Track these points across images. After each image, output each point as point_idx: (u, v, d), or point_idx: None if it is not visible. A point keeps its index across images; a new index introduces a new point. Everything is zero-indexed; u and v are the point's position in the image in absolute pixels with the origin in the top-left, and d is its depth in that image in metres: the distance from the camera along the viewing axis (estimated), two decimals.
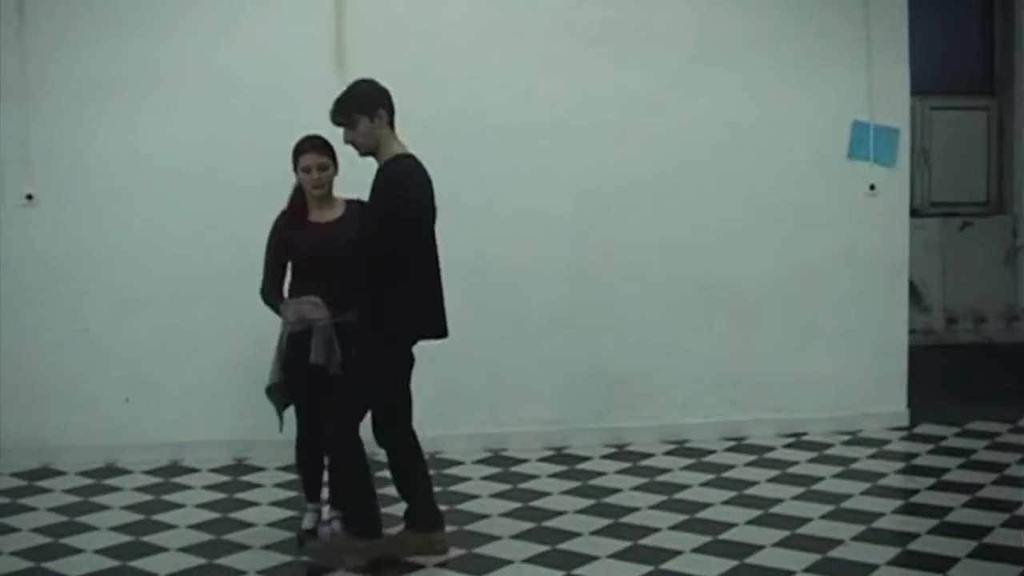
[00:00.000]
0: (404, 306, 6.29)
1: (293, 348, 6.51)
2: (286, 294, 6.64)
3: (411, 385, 6.64)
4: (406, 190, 6.27)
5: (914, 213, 9.80)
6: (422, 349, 8.12)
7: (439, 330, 6.48)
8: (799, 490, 7.73)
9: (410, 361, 6.53)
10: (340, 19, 8.52)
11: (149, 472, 8.28)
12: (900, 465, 8.43)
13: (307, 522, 6.82)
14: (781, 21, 9.09)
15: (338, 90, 8.21)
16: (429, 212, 6.44)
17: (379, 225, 6.21)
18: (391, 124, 6.44)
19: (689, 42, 8.98)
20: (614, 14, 8.89)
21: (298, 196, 6.65)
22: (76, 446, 8.46)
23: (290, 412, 6.75)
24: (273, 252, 6.67)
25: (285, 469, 8.07)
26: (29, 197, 8.37)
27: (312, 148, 6.54)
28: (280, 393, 6.66)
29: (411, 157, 6.40)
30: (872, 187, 9.26)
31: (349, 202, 6.67)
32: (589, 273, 8.89)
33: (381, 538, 6.49)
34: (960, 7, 13.19)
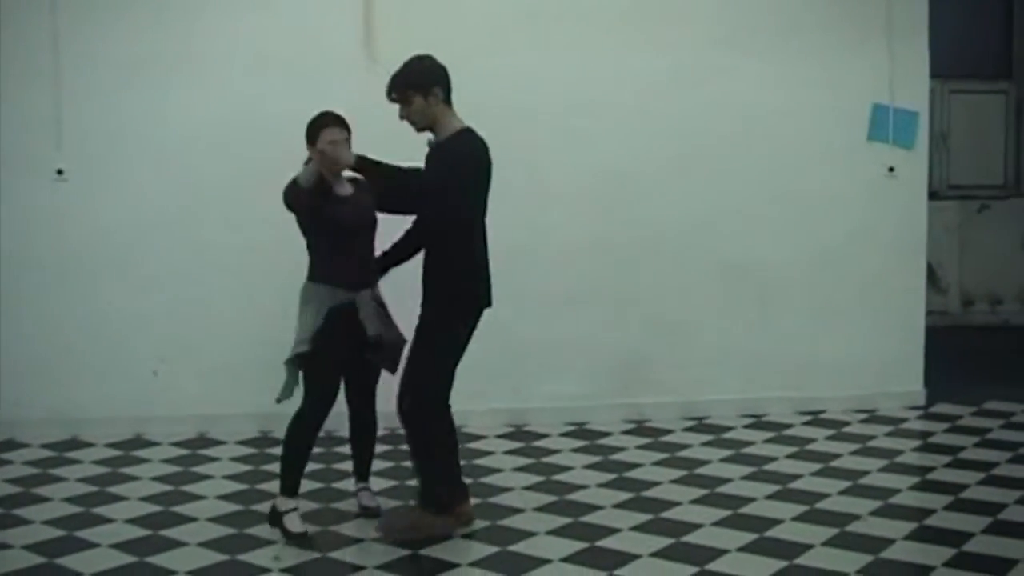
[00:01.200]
0: (472, 277, 6.43)
1: (335, 321, 6.40)
2: (322, 269, 6.48)
3: None
4: (467, 168, 6.35)
5: (932, 196, 9.87)
6: None
7: (490, 300, 6.61)
8: (817, 466, 7.83)
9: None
10: (369, 1, 8.61)
11: (176, 444, 8.41)
12: (917, 443, 8.52)
13: (297, 525, 6.49)
14: (803, 4, 9.16)
15: (365, 68, 8.37)
16: (486, 185, 6.51)
17: (446, 201, 6.27)
18: (448, 101, 6.47)
19: (712, 25, 9.05)
20: None
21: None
22: (104, 418, 8.60)
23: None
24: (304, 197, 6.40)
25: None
26: (60, 172, 8.48)
27: (335, 122, 6.49)
28: (297, 365, 6.47)
29: (469, 131, 6.46)
30: (891, 170, 9.34)
31: (349, 179, 6.66)
32: (612, 252, 8.98)
33: (451, 516, 6.58)
34: None
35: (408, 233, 6.66)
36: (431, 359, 6.46)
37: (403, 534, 6.48)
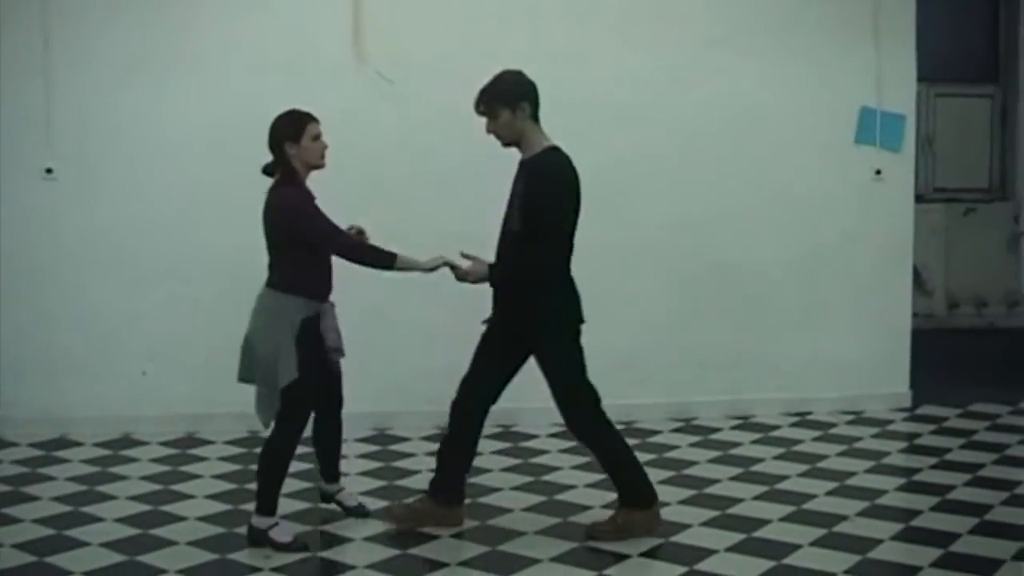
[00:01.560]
0: (573, 296, 6.60)
1: (306, 336, 6.30)
2: (294, 280, 6.31)
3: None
4: (561, 190, 6.39)
5: (918, 199, 9.93)
6: (430, 325, 8.35)
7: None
8: (804, 467, 7.87)
9: None
10: (358, 1, 8.62)
11: (165, 444, 8.41)
12: (903, 444, 8.58)
13: (286, 535, 6.39)
14: (793, 8, 9.21)
15: (355, 73, 8.40)
16: (577, 206, 6.50)
17: (545, 226, 6.34)
18: (535, 117, 6.50)
19: (703, 27, 9.09)
20: None
21: (296, 172, 6.38)
22: (93, 417, 8.60)
23: None
24: (326, 219, 6.31)
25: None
26: (49, 171, 8.49)
27: (313, 117, 6.39)
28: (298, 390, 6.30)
29: (556, 150, 6.48)
30: (878, 172, 9.39)
31: None
32: (602, 251, 8.98)
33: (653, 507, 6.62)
34: None
35: (513, 262, 6.51)
36: (564, 380, 6.61)
37: (613, 536, 6.49)
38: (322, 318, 6.41)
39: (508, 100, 6.40)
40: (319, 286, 6.40)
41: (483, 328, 6.69)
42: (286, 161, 6.33)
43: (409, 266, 6.34)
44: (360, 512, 6.89)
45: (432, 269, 6.38)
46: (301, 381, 6.23)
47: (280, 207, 6.28)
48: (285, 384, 6.21)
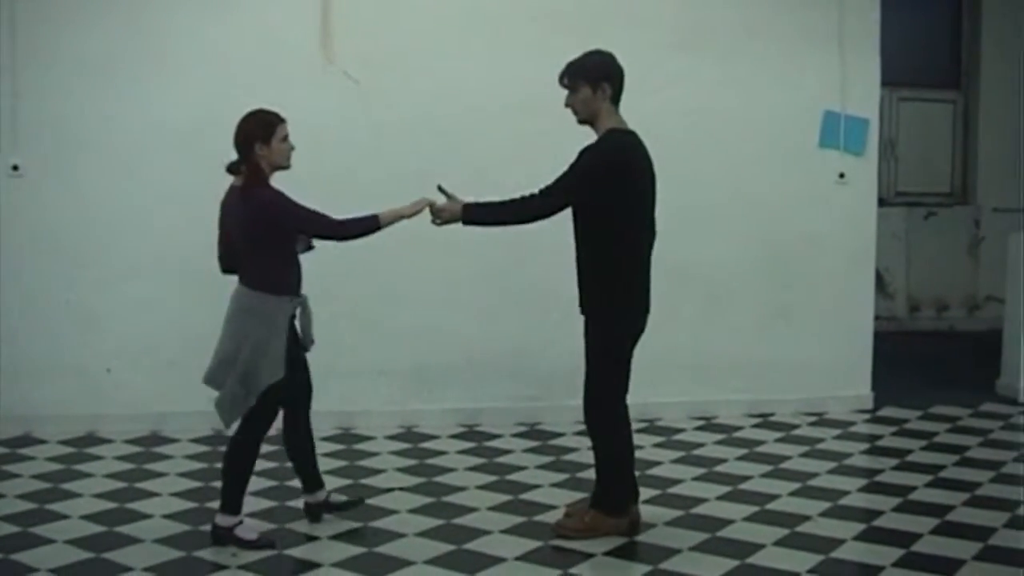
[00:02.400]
0: (629, 288, 6.79)
1: (289, 336, 6.33)
2: (273, 278, 6.30)
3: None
4: (593, 162, 6.48)
5: (880, 202, 9.99)
6: (397, 326, 8.36)
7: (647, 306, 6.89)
8: (767, 468, 7.93)
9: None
10: (326, 2, 8.63)
11: (130, 441, 8.41)
12: (865, 446, 8.65)
13: (252, 533, 6.42)
14: (758, 12, 9.28)
15: (323, 71, 8.42)
16: (637, 190, 6.71)
17: (556, 184, 6.54)
18: (615, 100, 6.54)
19: (668, 29, 9.14)
20: (594, 1, 9.05)
21: (263, 173, 6.31)
22: (57, 415, 8.58)
23: None
24: (306, 207, 6.25)
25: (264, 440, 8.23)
26: (15, 168, 8.46)
27: (280, 118, 6.35)
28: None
29: (629, 133, 6.58)
30: (842, 176, 9.46)
31: None
32: (562, 254, 8.99)
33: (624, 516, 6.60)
34: (929, 2, 13.38)
35: (503, 204, 6.60)
36: (608, 369, 6.56)
37: (580, 535, 6.49)
38: (300, 315, 6.44)
39: (592, 77, 6.45)
40: (295, 281, 6.39)
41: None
42: (254, 161, 6.28)
43: (393, 218, 6.37)
44: (356, 501, 6.89)
45: (415, 213, 6.41)
46: (280, 380, 6.24)
47: (263, 207, 6.22)
48: (269, 384, 6.20)
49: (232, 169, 6.43)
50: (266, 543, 6.34)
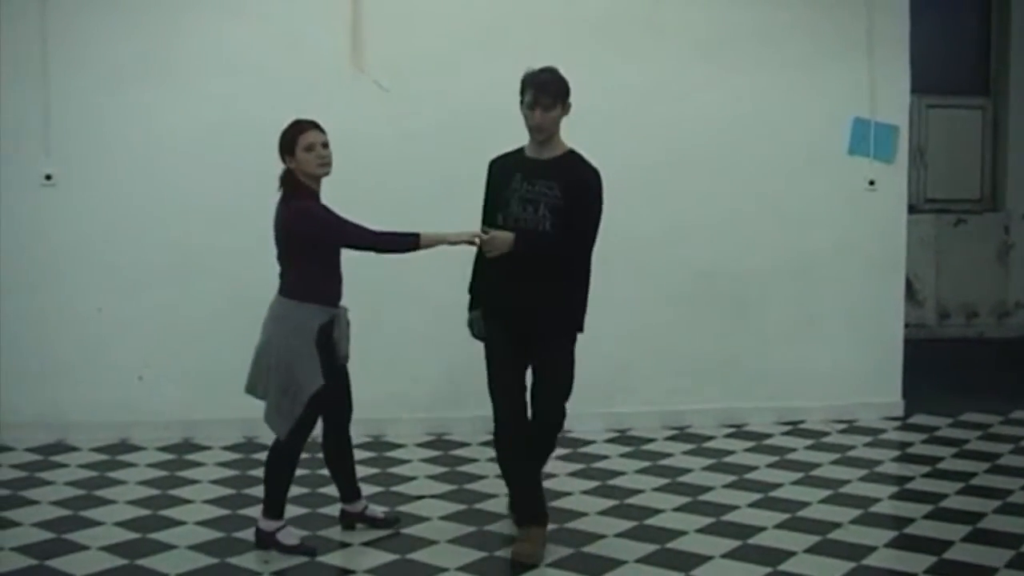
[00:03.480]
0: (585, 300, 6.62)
1: (321, 344, 6.36)
2: (309, 287, 6.35)
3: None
4: (601, 193, 6.51)
5: (909, 209, 9.96)
6: (428, 333, 8.38)
7: None
8: (798, 475, 7.93)
9: None
10: (356, 8, 8.66)
11: (162, 449, 8.44)
12: (895, 453, 8.63)
13: (294, 538, 6.49)
14: (786, 18, 9.28)
15: (352, 79, 8.45)
16: None
17: (587, 225, 6.48)
18: None
19: (695, 36, 9.16)
20: (622, 7, 9.07)
21: (301, 183, 6.38)
22: (89, 423, 8.63)
23: None
24: (340, 217, 6.32)
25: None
26: (48, 177, 8.52)
27: (313, 126, 6.40)
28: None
29: (580, 155, 6.64)
30: (871, 183, 9.45)
31: None
32: (594, 260, 9.04)
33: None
34: (958, 7, 13.34)
35: (555, 243, 6.44)
36: (570, 373, 6.64)
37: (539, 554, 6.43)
38: (336, 324, 6.45)
39: (566, 97, 6.47)
40: (332, 292, 6.44)
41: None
42: (289, 172, 6.38)
43: (436, 242, 6.41)
44: (393, 519, 6.91)
45: (459, 243, 6.45)
46: (320, 389, 6.29)
47: (294, 219, 6.28)
48: (313, 392, 6.25)
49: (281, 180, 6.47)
50: (306, 550, 6.39)
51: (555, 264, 6.42)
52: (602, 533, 6.71)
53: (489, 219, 6.53)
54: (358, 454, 7.93)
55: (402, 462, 8.20)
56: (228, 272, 8.64)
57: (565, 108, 6.45)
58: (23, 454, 8.28)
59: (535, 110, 6.37)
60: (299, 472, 7.34)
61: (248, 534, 6.58)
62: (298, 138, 6.33)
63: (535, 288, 6.39)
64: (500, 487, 7.54)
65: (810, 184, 9.41)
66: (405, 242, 6.37)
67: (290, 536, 6.45)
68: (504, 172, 6.56)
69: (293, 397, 6.26)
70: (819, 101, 9.37)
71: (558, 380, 6.54)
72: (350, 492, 6.86)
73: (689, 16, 9.19)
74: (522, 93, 6.44)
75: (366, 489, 7.27)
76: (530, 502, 6.56)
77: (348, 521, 6.83)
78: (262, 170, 8.33)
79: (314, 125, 6.42)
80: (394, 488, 7.57)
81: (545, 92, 6.35)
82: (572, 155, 6.53)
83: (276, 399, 6.30)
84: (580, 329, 6.64)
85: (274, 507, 6.47)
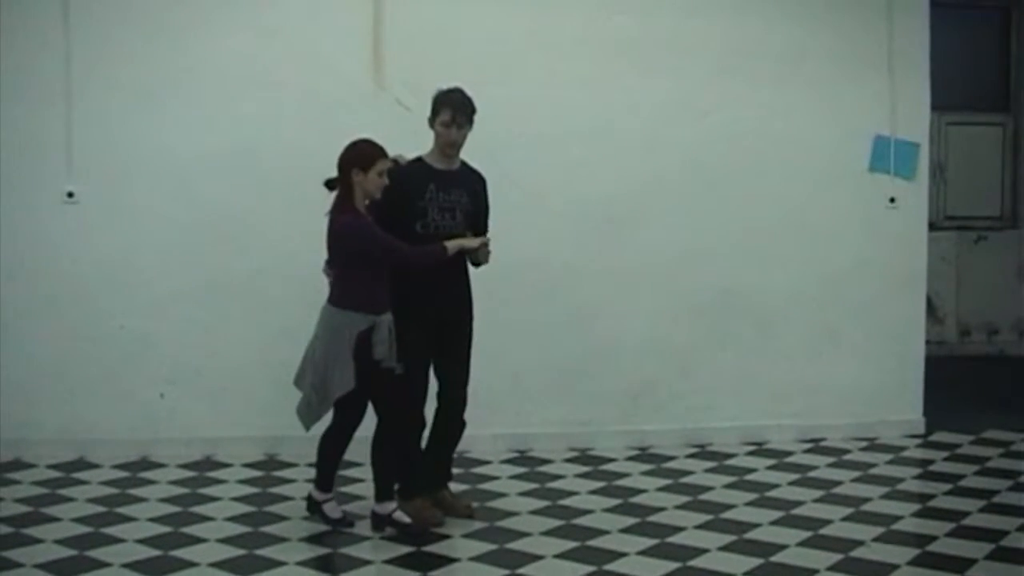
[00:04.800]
0: None
1: (360, 351, 6.70)
2: (357, 297, 6.73)
3: None
4: None
5: (929, 227, 9.94)
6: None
7: None
8: (819, 493, 7.90)
9: None
10: (378, 27, 8.69)
11: (183, 466, 8.44)
12: (917, 471, 8.60)
13: (336, 512, 7.13)
14: (806, 37, 9.28)
15: (373, 96, 8.49)
16: None
17: (487, 223, 7.35)
18: None
19: (716, 55, 9.16)
20: (643, 27, 9.06)
21: (355, 199, 6.74)
22: (111, 440, 8.63)
23: None
24: (387, 237, 6.78)
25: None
26: (70, 195, 8.54)
27: (384, 152, 6.78)
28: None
29: None
30: (892, 200, 9.43)
31: None
32: (616, 277, 9.06)
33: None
34: (978, 25, 13.35)
35: None
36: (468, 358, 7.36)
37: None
38: (376, 330, 6.69)
39: (474, 115, 7.15)
40: (374, 301, 6.73)
41: None
42: (348, 185, 6.68)
43: (457, 248, 6.94)
44: (346, 522, 7.16)
45: (478, 248, 7.07)
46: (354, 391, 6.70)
47: (343, 232, 6.67)
48: (340, 395, 6.70)
49: (328, 184, 6.79)
50: (347, 523, 7.06)
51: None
52: (624, 551, 6.68)
53: (401, 226, 6.91)
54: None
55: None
56: (250, 290, 8.66)
57: (471, 126, 7.10)
58: (45, 471, 8.28)
59: (451, 128, 7.04)
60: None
61: (270, 551, 6.61)
62: (378, 160, 6.71)
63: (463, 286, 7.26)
64: (525, 505, 7.55)
65: (831, 201, 9.40)
66: (435, 255, 6.85)
67: (334, 511, 7.11)
68: (414, 182, 7.02)
69: (322, 396, 6.77)
70: (840, 119, 9.36)
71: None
72: (326, 483, 7.20)
73: (711, 35, 9.19)
74: (435, 111, 7.05)
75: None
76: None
77: (377, 523, 7.06)
78: (284, 188, 8.45)
79: (386, 153, 6.82)
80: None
81: (463, 112, 7.00)
82: (466, 164, 7.30)
83: (308, 395, 6.81)
84: None
85: (321, 480, 7.15)
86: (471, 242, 6.98)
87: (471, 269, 7.24)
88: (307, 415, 6.89)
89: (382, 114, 8.62)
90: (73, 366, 8.64)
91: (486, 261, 7.16)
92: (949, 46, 11.95)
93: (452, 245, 6.85)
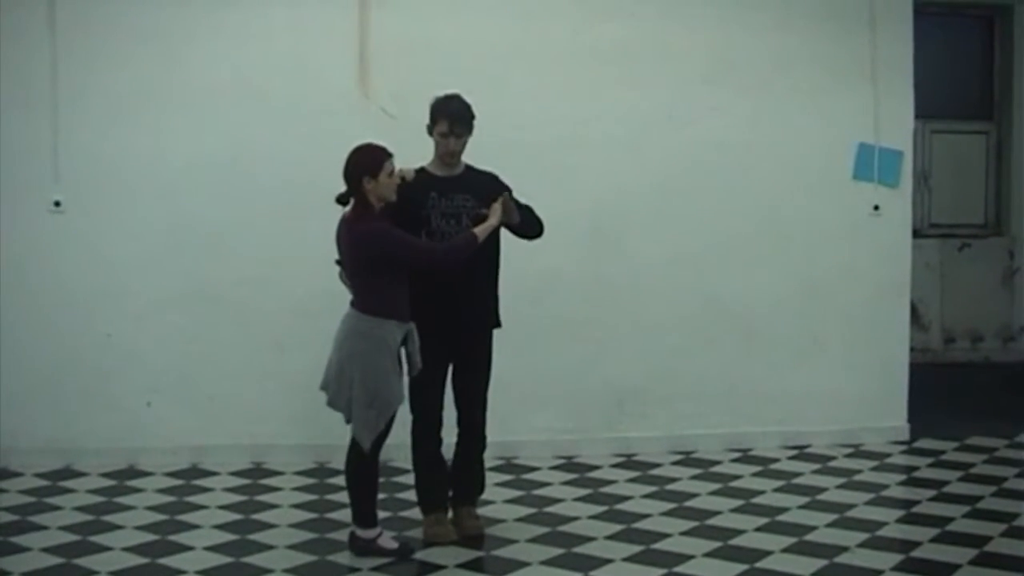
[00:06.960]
0: None
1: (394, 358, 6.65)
2: (387, 304, 6.61)
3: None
4: None
5: (914, 234, 9.98)
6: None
7: None
8: (804, 499, 7.95)
9: None
10: (364, 36, 8.73)
11: (170, 474, 8.45)
12: (901, 477, 8.64)
13: (393, 543, 6.82)
14: (791, 45, 9.33)
15: (360, 105, 8.50)
16: None
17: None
18: None
19: (701, 64, 9.21)
20: (629, 35, 9.11)
21: (371, 205, 6.62)
22: (98, 448, 8.63)
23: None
24: (414, 240, 6.74)
25: (303, 473, 8.36)
26: (57, 204, 8.55)
27: (388, 153, 6.66)
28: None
29: None
30: (876, 208, 9.48)
31: None
32: (600, 285, 9.09)
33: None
34: (961, 33, 13.38)
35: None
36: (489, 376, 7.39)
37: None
38: (410, 339, 6.68)
39: (473, 122, 7.05)
40: (405, 308, 6.64)
41: None
42: (362, 193, 6.55)
43: (486, 232, 6.82)
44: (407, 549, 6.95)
45: (501, 219, 6.95)
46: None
47: (367, 240, 6.51)
48: (397, 407, 6.62)
49: (340, 200, 6.66)
50: (407, 551, 6.77)
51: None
52: (609, 558, 6.72)
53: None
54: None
55: (407, 487, 8.18)
56: (236, 299, 8.67)
57: (471, 133, 7.01)
58: (32, 479, 8.29)
59: (450, 138, 6.94)
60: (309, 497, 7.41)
61: (257, 559, 6.63)
62: (385, 163, 6.60)
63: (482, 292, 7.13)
64: (511, 512, 7.57)
65: (815, 209, 9.45)
66: (468, 245, 6.72)
67: (390, 542, 6.78)
68: (416, 193, 6.90)
69: (379, 412, 6.53)
70: (824, 127, 9.41)
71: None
72: (368, 517, 6.91)
73: (696, 44, 9.23)
74: (433, 120, 6.95)
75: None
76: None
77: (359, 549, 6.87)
78: (271, 197, 8.46)
79: (390, 152, 6.69)
80: (401, 513, 7.57)
81: (461, 122, 6.90)
82: (471, 167, 7.15)
83: (363, 414, 6.53)
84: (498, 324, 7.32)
85: (364, 515, 6.76)
86: (493, 217, 6.83)
87: (487, 282, 7.13)
88: (366, 434, 6.57)
89: (367, 123, 8.62)
90: (60, 375, 8.64)
91: (519, 218, 7.04)
92: (933, 55, 11.98)
93: (480, 230, 6.73)
